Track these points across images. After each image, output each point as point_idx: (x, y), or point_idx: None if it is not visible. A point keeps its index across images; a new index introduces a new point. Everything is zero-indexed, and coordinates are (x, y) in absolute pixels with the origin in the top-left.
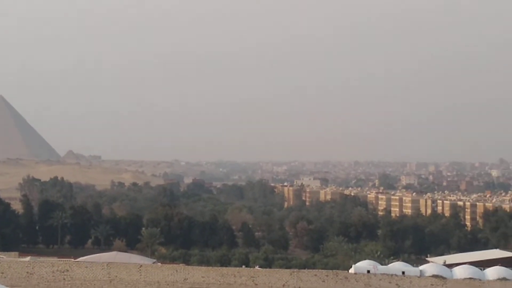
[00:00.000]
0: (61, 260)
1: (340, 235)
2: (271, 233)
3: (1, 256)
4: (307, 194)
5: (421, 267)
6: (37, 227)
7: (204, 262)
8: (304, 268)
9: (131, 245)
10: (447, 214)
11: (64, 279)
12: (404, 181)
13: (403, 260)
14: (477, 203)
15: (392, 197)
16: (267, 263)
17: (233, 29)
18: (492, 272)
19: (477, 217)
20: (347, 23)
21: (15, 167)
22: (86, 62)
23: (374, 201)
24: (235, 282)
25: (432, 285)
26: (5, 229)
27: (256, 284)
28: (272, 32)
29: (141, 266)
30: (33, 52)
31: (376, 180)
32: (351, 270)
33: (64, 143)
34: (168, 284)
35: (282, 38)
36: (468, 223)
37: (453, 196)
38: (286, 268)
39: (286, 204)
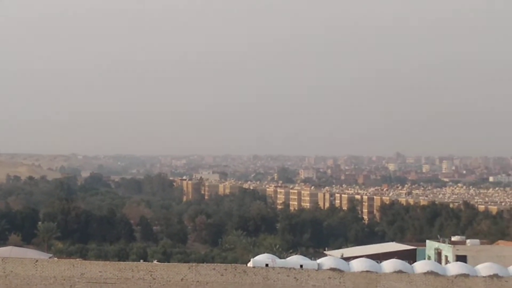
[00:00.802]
0: None
1: (239, 228)
2: (170, 227)
3: None
4: (206, 188)
5: (319, 261)
6: None
7: (102, 256)
8: (203, 262)
9: (27, 240)
10: (345, 207)
11: None
12: (302, 175)
13: (302, 254)
14: (374, 197)
15: (291, 190)
16: (166, 257)
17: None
18: (389, 265)
19: (374, 211)
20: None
21: None
22: None
23: (273, 195)
24: (132, 276)
25: (329, 278)
26: None
27: (154, 279)
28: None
29: (37, 261)
30: None
31: (275, 174)
32: (250, 264)
33: None
34: (64, 279)
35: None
36: (365, 217)
37: (350, 190)
38: (185, 262)
39: (185, 198)
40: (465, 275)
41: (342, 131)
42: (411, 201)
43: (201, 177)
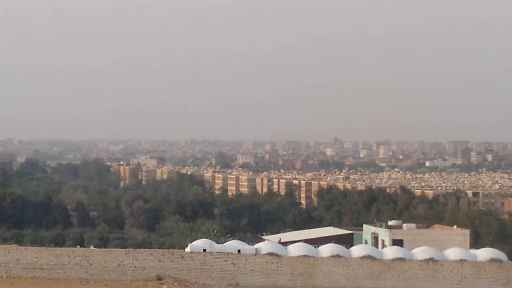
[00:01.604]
0: None
1: (177, 214)
2: (107, 212)
3: None
4: (144, 173)
5: (257, 245)
6: None
7: (38, 242)
8: (140, 248)
9: None
10: (282, 192)
11: None
12: (240, 160)
13: (239, 239)
14: (312, 182)
15: (229, 176)
16: (103, 243)
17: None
18: (326, 249)
19: (312, 195)
20: None
21: None
22: None
23: (211, 180)
24: (69, 262)
25: (267, 262)
26: None
27: (90, 264)
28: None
29: None
30: None
31: (213, 159)
32: (187, 249)
33: None
34: (0, 265)
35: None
36: (303, 201)
37: (288, 175)
38: (122, 247)
39: (122, 183)
40: (402, 259)
41: (279, 116)
42: (348, 186)
43: (138, 162)
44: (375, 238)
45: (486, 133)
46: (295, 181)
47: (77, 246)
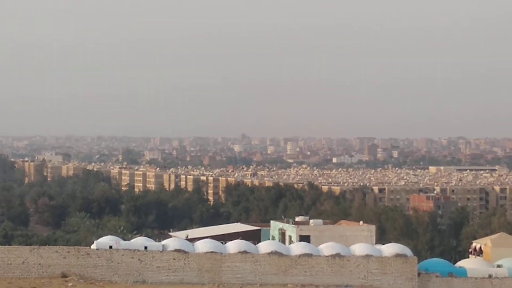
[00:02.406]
0: None
1: (83, 210)
2: (11, 209)
3: None
4: (49, 170)
5: (164, 242)
6: None
7: None
8: (45, 245)
9: None
10: (190, 188)
11: None
12: (148, 156)
13: (146, 235)
14: (220, 178)
15: (136, 172)
16: (6, 240)
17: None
18: (233, 246)
19: (220, 192)
20: None
21: None
22: None
23: (117, 176)
24: None
25: (174, 259)
26: None
27: None
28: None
29: None
30: None
31: (120, 155)
32: (93, 246)
33: None
34: None
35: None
36: (210, 198)
37: (196, 171)
38: (26, 245)
39: (27, 180)
40: (308, 255)
41: (187, 112)
42: (256, 182)
43: (43, 158)
44: (282, 234)
45: (392, 130)
46: (203, 178)
47: None
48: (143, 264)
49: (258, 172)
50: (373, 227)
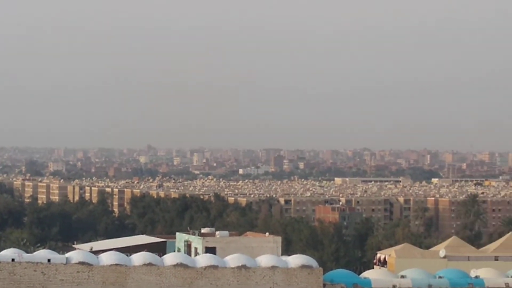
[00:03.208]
0: None
1: None
2: None
3: None
4: None
5: (68, 255)
6: None
7: None
8: None
9: None
10: (95, 200)
11: None
12: (51, 167)
13: (50, 248)
14: (125, 189)
15: (39, 183)
16: None
17: None
18: (138, 258)
19: (125, 203)
20: None
21: None
22: None
23: (20, 188)
24: None
25: (78, 272)
26: None
27: None
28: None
29: None
30: None
31: (23, 167)
32: None
33: None
34: None
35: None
36: (116, 209)
37: (101, 183)
38: None
39: None
40: (214, 267)
41: (92, 123)
42: (162, 193)
43: None
44: (188, 246)
45: (298, 142)
46: (108, 189)
47: None
48: (46, 277)
49: (164, 184)
50: (279, 239)
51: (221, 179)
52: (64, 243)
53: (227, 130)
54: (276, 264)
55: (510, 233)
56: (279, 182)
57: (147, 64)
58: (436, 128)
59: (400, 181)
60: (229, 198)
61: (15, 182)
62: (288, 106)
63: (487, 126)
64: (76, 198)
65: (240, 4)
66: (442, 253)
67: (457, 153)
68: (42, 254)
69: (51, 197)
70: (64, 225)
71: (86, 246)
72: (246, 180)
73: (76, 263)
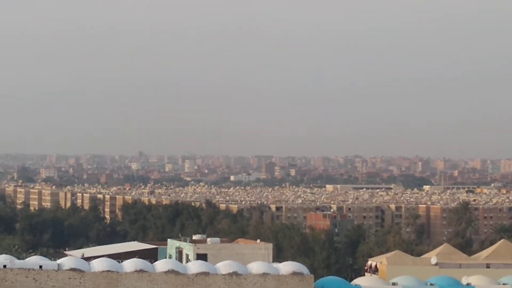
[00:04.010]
0: None
1: None
2: None
3: None
4: None
5: (59, 261)
6: None
7: None
8: None
9: None
10: (86, 207)
11: None
12: (43, 174)
13: (42, 254)
14: (117, 196)
15: (31, 190)
16: None
17: None
18: (130, 264)
19: (117, 210)
20: None
21: None
22: None
23: (12, 195)
24: None
25: (69, 278)
26: None
27: None
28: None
29: None
30: None
31: (15, 173)
32: None
33: None
34: None
35: None
36: (107, 216)
37: (93, 189)
38: None
39: None
40: (206, 273)
41: (83, 130)
42: (153, 200)
43: None
44: (180, 252)
45: (289, 148)
46: (100, 196)
47: None
48: (38, 284)
49: (155, 190)
50: (270, 245)
51: (212, 186)
52: (55, 250)
53: (219, 137)
54: (267, 271)
55: (502, 240)
56: (271, 189)
57: (138, 71)
58: (427, 135)
59: (391, 188)
60: (220, 205)
61: (7, 189)
62: (279, 113)
63: (478, 133)
64: (68, 204)
65: (232, 17)
66: (433, 260)
67: (449, 160)
68: (34, 260)
69: (43, 203)
70: (56, 232)
71: (78, 252)
72: (238, 187)
73: (67, 270)
